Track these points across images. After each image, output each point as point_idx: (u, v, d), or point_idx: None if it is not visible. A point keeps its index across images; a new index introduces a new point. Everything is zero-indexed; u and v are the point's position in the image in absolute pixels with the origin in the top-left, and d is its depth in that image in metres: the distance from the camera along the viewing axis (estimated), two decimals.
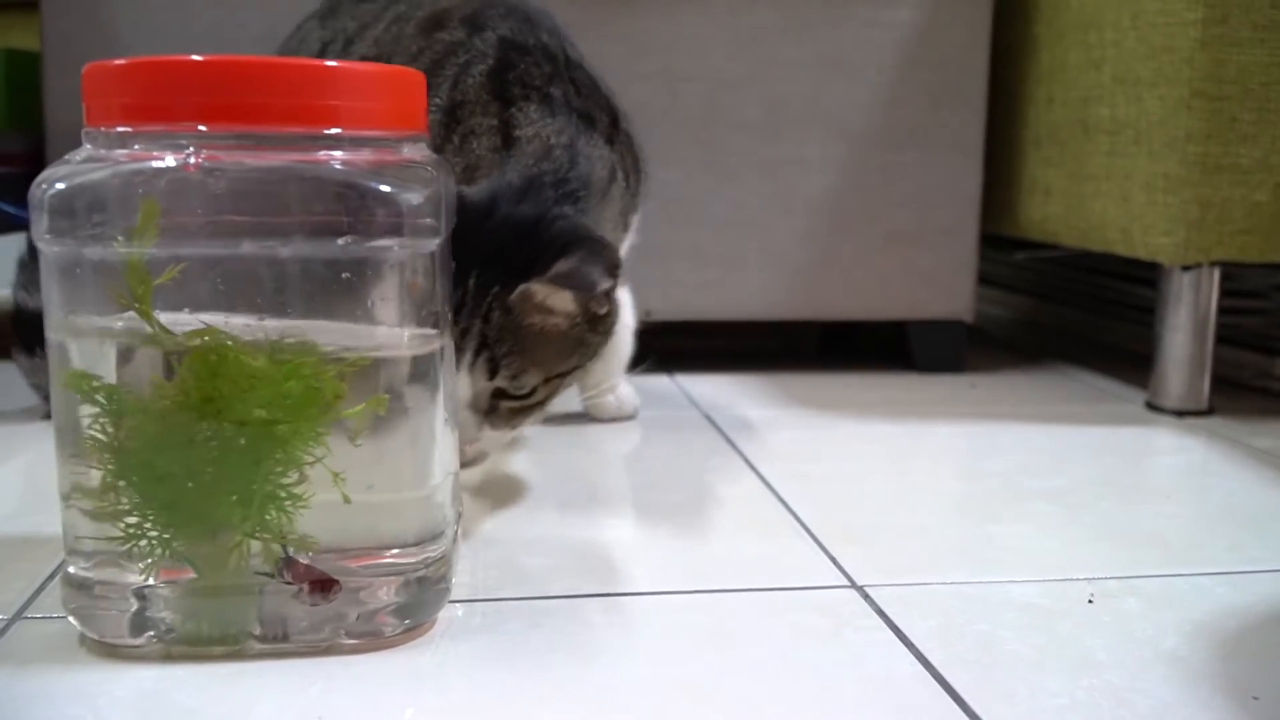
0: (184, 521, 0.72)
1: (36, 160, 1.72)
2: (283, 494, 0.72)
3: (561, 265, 0.96)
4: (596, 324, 1.04)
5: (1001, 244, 2.04)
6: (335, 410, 0.72)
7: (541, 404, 1.06)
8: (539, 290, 0.98)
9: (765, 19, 1.65)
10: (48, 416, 1.30)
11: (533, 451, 1.27)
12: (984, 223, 1.74)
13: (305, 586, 0.74)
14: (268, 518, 0.72)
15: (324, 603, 0.75)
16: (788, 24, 1.66)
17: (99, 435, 0.71)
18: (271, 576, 0.74)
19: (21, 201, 1.65)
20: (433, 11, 1.23)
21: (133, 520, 0.72)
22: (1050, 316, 2.24)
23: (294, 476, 0.72)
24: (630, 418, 1.44)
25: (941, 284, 1.73)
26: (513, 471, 1.19)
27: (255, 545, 0.73)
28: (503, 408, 1.04)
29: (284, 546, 0.73)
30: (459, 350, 0.98)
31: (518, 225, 1.00)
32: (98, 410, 0.71)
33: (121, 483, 0.71)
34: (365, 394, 0.74)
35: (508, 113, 1.10)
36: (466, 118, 1.10)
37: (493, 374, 1.00)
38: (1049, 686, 0.73)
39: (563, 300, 0.99)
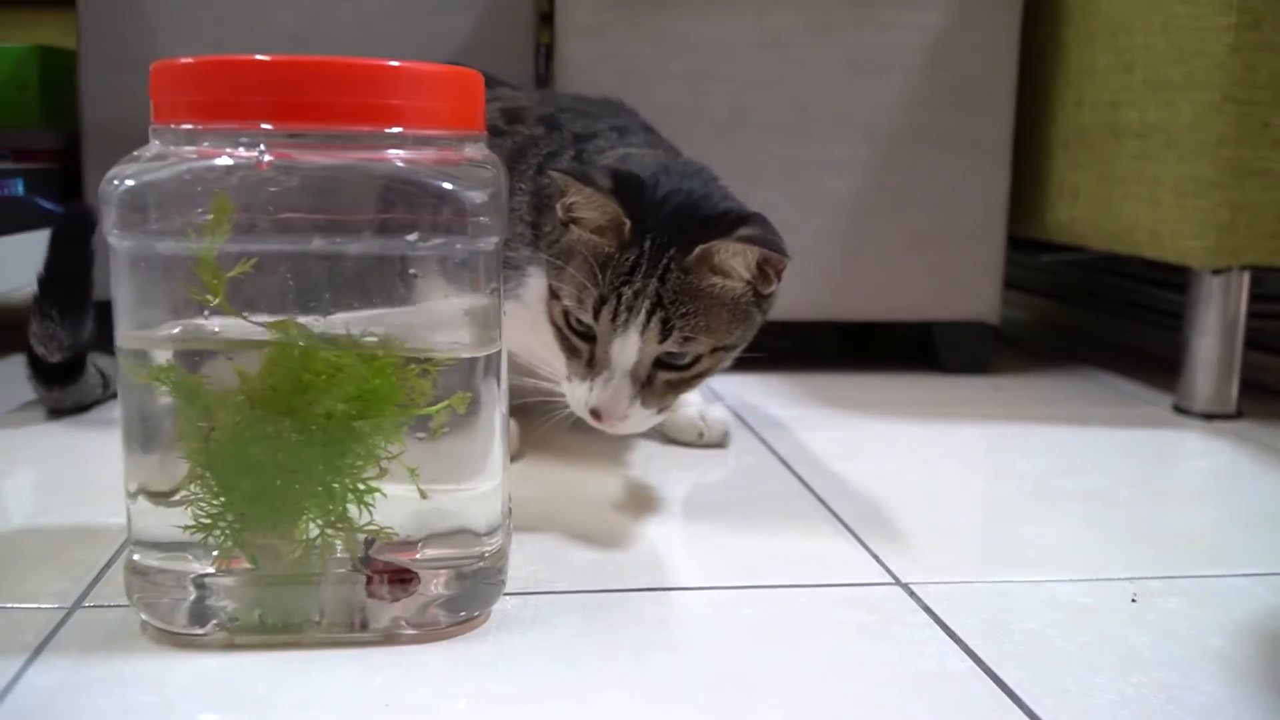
0: (264, 513, 0.73)
1: (71, 156, 1.73)
2: (362, 488, 0.73)
3: (745, 230, 0.99)
4: (762, 301, 1.06)
5: (1025, 246, 2.05)
6: (417, 406, 0.74)
7: (698, 378, 1.06)
8: (724, 248, 1.00)
9: (792, 21, 1.66)
10: (55, 411, 1.33)
11: (571, 450, 1.28)
12: (1010, 225, 1.75)
13: (385, 579, 0.75)
14: (348, 510, 0.74)
15: (404, 596, 0.76)
16: (814, 26, 1.66)
17: (188, 426, 0.73)
18: (355, 569, 0.76)
19: (55, 197, 1.68)
20: (514, 105, 1.29)
21: (213, 509, 0.73)
22: (1074, 319, 2.24)
23: (373, 471, 0.74)
24: (719, 444, 1.33)
25: (967, 285, 1.74)
26: (554, 468, 1.20)
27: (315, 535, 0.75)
28: (659, 380, 1.03)
29: (366, 540, 0.75)
30: (629, 311, 0.99)
31: (688, 195, 1.04)
32: (185, 402, 0.73)
33: (204, 473, 0.73)
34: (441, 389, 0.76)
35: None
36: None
37: (665, 336, 1.00)
38: (1099, 683, 0.74)
39: (745, 261, 1.01)
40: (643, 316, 0.99)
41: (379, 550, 0.76)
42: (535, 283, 1.11)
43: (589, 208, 1.01)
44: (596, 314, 1.01)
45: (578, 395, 1.04)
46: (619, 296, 1.00)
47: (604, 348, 1.01)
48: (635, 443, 1.32)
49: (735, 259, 1.01)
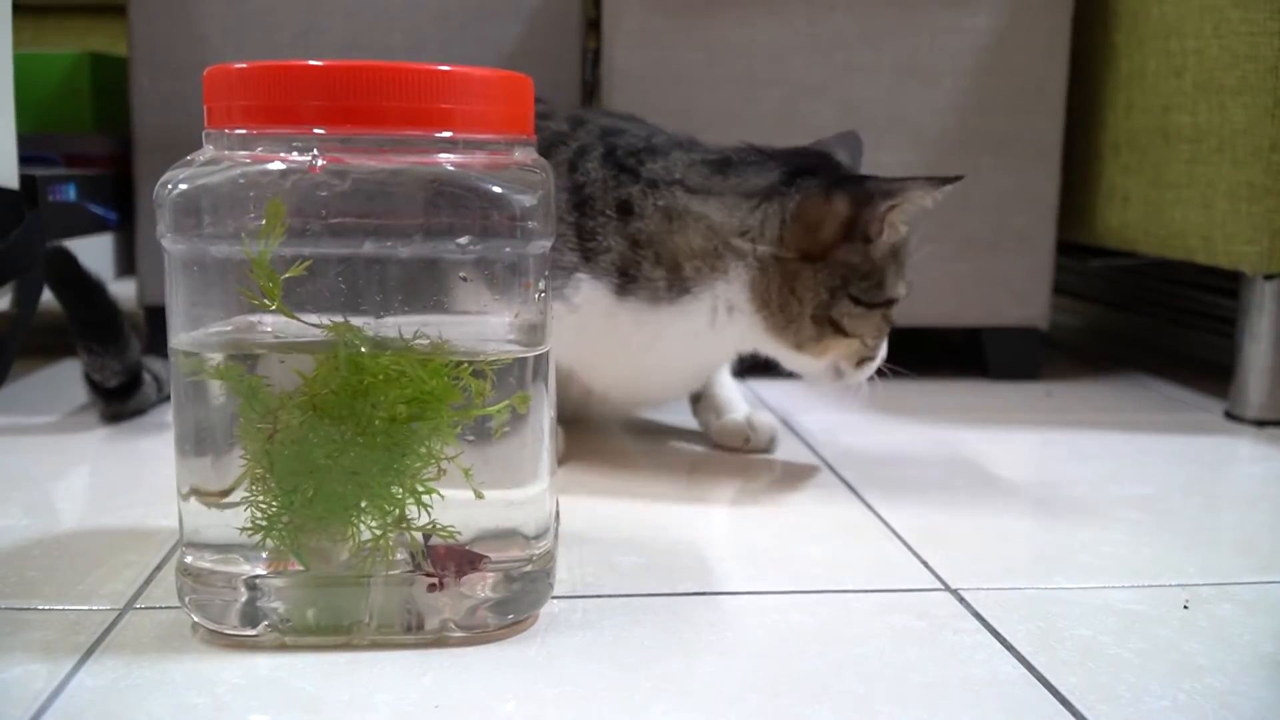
0: (323, 515, 0.74)
1: (123, 162, 1.75)
2: (422, 488, 0.74)
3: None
4: None
5: (1075, 252, 2.04)
6: (477, 406, 0.74)
7: None
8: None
9: (843, 25, 1.66)
10: (114, 418, 1.35)
11: (617, 454, 1.28)
12: (1060, 230, 1.74)
13: (452, 566, 0.76)
14: (408, 511, 0.75)
15: (474, 574, 0.77)
16: (865, 30, 1.66)
17: (251, 428, 0.74)
18: (417, 569, 0.77)
19: (108, 202, 1.69)
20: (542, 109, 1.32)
21: (271, 512, 0.74)
22: (1124, 325, 2.23)
23: (431, 472, 0.74)
24: (765, 450, 1.34)
25: (1016, 291, 1.73)
26: (600, 472, 1.21)
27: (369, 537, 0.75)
28: None
29: (425, 536, 0.76)
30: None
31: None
32: (245, 403, 0.74)
33: (264, 474, 0.74)
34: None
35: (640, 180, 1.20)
36: (613, 188, 1.20)
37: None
38: (1152, 689, 0.74)
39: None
40: None
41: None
42: (587, 288, 1.13)
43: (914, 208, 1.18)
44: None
45: (883, 353, 1.23)
46: None
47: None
48: (681, 447, 1.32)
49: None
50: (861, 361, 1.21)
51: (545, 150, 1.21)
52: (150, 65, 1.67)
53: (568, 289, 1.15)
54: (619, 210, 1.18)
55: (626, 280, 1.16)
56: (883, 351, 1.22)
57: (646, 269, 1.16)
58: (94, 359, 1.33)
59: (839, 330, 1.17)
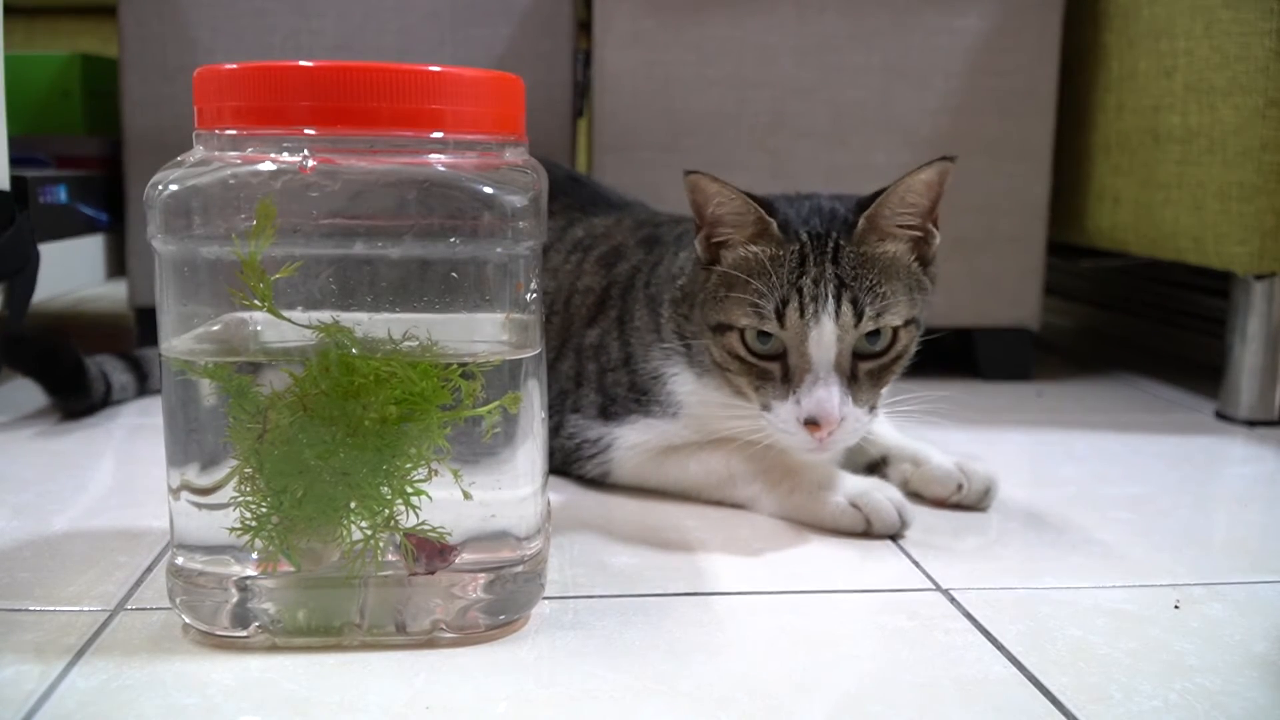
0: (312, 515, 0.74)
1: (114, 163, 1.74)
2: (410, 490, 0.74)
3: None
4: (925, 264, 1.05)
5: (1065, 252, 2.04)
6: (467, 407, 0.74)
7: (896, 362, 1.02)
8: (891, 199, 1.00)
9: (833, 26, 1.66)
10: (69, 416, 1.37)
11: None
12: (1051, 230, 1.74)
13: (423, 555, 0.76)
14: (398, 511, 0.75)
15: (443, 565, 0.77)
16: (855, 31, 1.66)
17: (239, 427, 0.74)
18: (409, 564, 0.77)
19: (99, 204, 1.69)
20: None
21: (261, 512, 0.74)
22: (1115, 325, 2.23)
23: (422, 473, 0.74)
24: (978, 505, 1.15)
25: (1008, 291, 1.73)
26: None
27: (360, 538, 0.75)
28: (861, 372, 0.99)
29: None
30: (815, 300, 0.96)
31: (805, 199, 1.06)
32: (234, 402, 0.74)
33: (251, 473, 0.73)
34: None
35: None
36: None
37: (858, 318, 0.97)
38: (1143, 689, 0.74)
39: (916, 208, 1.01)
40: (831, 302, 0.96)
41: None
42: (681, 384, 1.11)
43: (730, 208, 1.00)
44: (781, 318, 0.97)
45: (784, 415, 0.99)
46: (799, 291, 0.96)
47: (799, 352, 0.98)
48: None
49: (901, 212, 1.01)
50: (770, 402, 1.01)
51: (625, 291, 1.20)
52: (141, 67, 1.66)
53: (665, 395, 1.12)
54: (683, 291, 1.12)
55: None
56: (785, 412, 0.99)
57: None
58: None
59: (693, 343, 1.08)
